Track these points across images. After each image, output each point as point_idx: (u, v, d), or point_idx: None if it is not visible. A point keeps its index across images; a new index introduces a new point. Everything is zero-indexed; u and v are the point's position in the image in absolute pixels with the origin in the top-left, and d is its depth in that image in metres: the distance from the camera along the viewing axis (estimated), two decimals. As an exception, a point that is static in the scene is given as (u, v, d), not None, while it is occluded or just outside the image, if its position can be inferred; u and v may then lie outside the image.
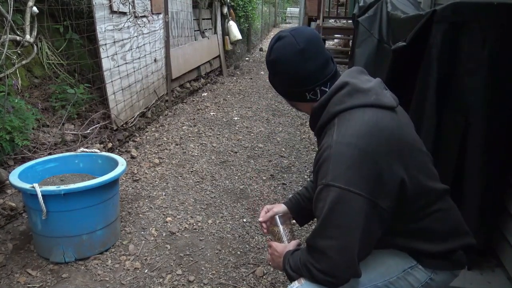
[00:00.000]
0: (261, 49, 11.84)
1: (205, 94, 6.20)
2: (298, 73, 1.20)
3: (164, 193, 2.99)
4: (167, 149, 3.86)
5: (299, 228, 2.44)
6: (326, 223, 1.07)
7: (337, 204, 1.05)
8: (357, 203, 1.05)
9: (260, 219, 1.53)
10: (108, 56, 3.51)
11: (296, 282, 1.16)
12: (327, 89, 1.22)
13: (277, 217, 1.49)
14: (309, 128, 1.32)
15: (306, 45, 1.19)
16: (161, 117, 4.87)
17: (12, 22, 2.49)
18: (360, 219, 1.05)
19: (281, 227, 1.46)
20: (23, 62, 2.71)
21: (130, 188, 3.04)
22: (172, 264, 2.20)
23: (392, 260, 1.23)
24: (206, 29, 6.76)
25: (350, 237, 1.05)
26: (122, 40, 3.77)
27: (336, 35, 10.04)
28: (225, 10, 7.42)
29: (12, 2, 2.49)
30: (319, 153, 1.15)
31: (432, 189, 1.18)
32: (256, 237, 2.46)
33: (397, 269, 1.22)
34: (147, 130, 4.39)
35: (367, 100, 1.14)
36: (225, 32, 7.60)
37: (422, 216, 1.17)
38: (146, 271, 2.13)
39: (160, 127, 4.52)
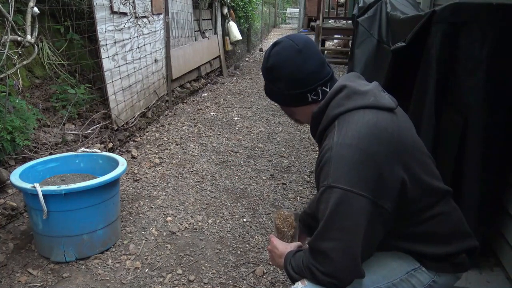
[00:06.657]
0: (261, 50, 11.83)
1: (205, 94, 6.21)
2: (299, 72, 1.20)
3: (164, 193, 2.99)
4: (167, 149, 3.86)
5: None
6: (329, 225, 1.07)
7: (340, 205, 1.05)
8: (359, 204, 1.04)
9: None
10: (108, 57, 3.52)
11: (299, 282, 1.15)
12: (328, 89, 1.22)
13: (296, 214, 1.47)
14: (309, 128, 1.32)
15: (303, 46, 1.21)
16: (161, 117, 4.88)
17: (13, 22, 2.50)
18: (363, 220, 1.05)
19: (297, 226, 1.44)
20: (24, 62, 2.71)
21: (131, 188, 3.05)
22: (172, 263, 2.21)
23: (395, 262, 1.23)
24: (206, 30, 6.77)
25: (353, 239, 1.05)
26: (123, 40, 3.77)
27: (335, 36, 10.06)
28: (225, 10, 7.42)
29: (13, 3, 2.50)
30: (320, 156, 1.14)
31: (435, 188, 1.18)
32: (256, 237, 2.47)
33: (400, 271, 1.22)
34: (147, 130, 4.39)
35: (365, 101, 1.14)
36: (225, 33, 7.60)
37: (424, 218, 1.17)
38: (146, 270, 2.14)
39: (161, 127, 4.53)
